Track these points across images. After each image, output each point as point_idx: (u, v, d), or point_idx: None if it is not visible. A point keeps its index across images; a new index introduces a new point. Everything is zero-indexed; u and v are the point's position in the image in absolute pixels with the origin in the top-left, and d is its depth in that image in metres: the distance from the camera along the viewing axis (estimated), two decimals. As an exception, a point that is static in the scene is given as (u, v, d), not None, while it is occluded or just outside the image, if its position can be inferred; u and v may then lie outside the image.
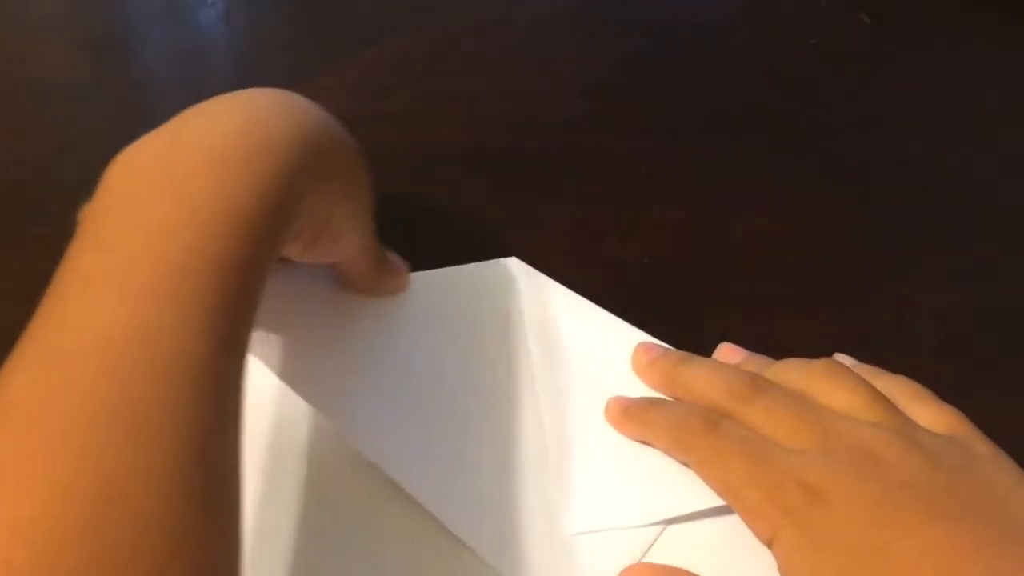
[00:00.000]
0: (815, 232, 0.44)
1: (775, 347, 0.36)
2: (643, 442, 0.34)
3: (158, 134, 0.28)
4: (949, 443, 0.29)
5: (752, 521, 0.29)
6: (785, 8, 0.56)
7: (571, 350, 0.37)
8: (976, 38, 0.55)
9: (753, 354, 0.37)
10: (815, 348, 0.36)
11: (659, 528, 0.32)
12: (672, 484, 0.33)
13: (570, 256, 0.42)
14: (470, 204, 0.44)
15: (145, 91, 0.50)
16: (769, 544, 0.29)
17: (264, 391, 0.34)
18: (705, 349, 0.37)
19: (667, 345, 0.37)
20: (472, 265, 0.40)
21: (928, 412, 0.31)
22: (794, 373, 0.33)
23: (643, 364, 0.36)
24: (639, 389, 0.36)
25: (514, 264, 0.40)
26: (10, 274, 0.38)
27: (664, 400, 0.35)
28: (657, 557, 0.32)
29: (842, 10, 0.56)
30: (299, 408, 0.34)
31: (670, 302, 0.41)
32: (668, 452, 0.33)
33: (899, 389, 0.33)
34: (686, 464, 0.33)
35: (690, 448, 0.32)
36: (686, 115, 0.49)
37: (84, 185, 0.43)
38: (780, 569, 0.28)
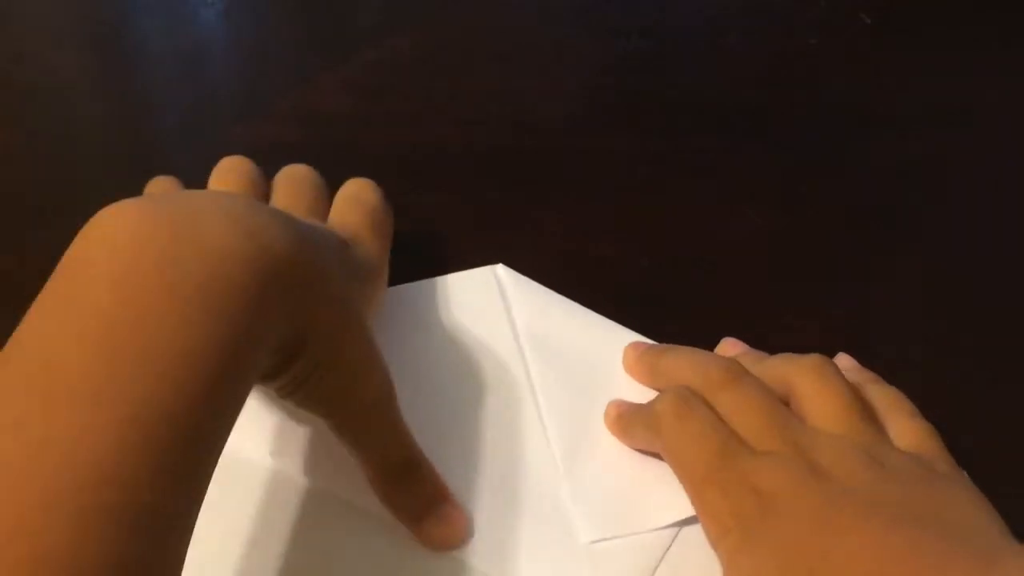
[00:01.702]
0: (815, 232, 0.44)
1: (773, 347, 0.36)
2: (637, 449, 0.34)
3: (153, 221, 0.24)
4: (910, 460, 0.30)
5: (705, 520, 0.30)
6: (785, 8, 0.56)
7: (569, 355, 0.37)
8: (976, 38, 0.55)
9: (752, 349, 0.37)
10: (815, 348, 0.36)
11: (674, 530, 0.32)
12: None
13: (569, 256, 0.42)
14: (470, 204, 0.44)
15: (145, 91, 0.50)
16: (716, 546, 0.29)
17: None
18: (703, 348, 0.37)
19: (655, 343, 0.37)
20: (458, 274, 0.39)
21: (903, 426, 0.32)
22: (782, 364, 0.33)
23: (631, 360, 0.36)
24: (637, 390, 0.36)
25: (502, 271, 0.40)
26: (9, 275, 0.38)
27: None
28: (674, 559, 0.32)
29: (842, 10, 0.56)
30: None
31: (669, 302, 0.41)
32: (646, 444, 0.33)
33: (884, 399, 0.33)
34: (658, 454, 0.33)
35: (658, 430, 0.32)
36: (686, 115, 0.49)
37: (84, 185, 0.43)
38: (723, 571, 0.29)
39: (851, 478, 0.28)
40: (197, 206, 0.25)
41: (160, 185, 0.37)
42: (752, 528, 0.28)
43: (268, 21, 0.55)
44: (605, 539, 0.32)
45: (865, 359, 0.37)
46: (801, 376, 0.32)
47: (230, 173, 0.36)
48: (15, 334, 0.23)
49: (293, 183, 0.36)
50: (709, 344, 0.38)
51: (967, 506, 0.28)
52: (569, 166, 0.46)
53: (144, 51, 0.52)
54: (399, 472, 0.31)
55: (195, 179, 0.44)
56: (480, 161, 0.46)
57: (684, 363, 0.34)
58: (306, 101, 0.48)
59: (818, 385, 0.31)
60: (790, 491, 0.28)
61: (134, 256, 0.23)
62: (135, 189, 0.43)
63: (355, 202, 0.35)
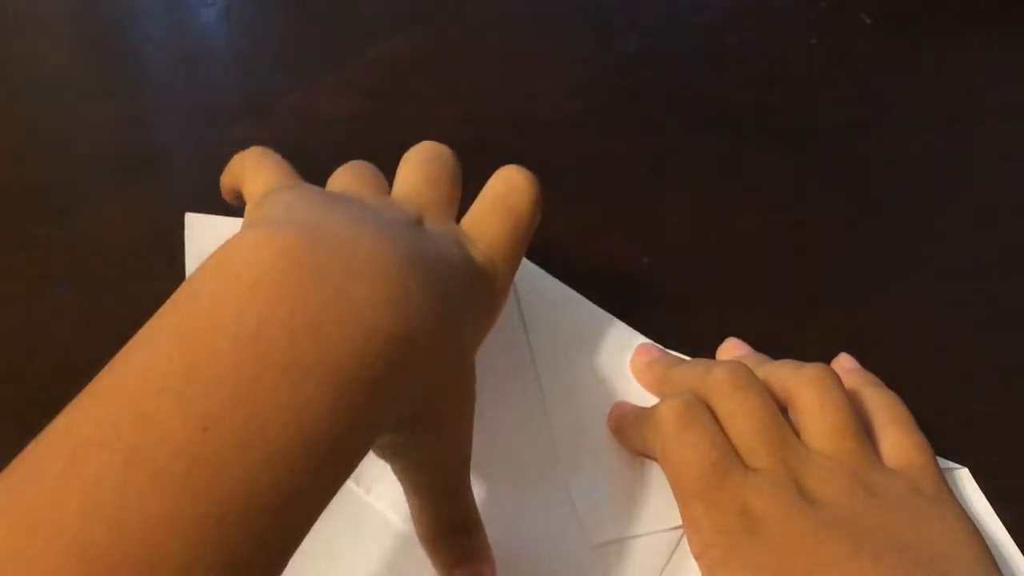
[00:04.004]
0: (814, 232, 0.44)
1: (773, 347, 0.36)
2: (636, 452, 0.34)
3: (298, 269, 0.21)
4: (896, 480, 0.30)
5: (690, 532, 0.30)
6: (785, 8, 0.56)
7: (575, 352, 0.37)
8: (976, 38, 0.55)
9: (755, 352, 0.37)
10: (815, 348, 0.36)
11: (681, 531, 0.32)
12: None
13: (570, 256, 0.42)
14: (470, 204, 0.44)
15: (145, 91, 0.50)
16: (698, 557, 0.29)
17: None
18: (705, 348, 0.37)
19: (664, 348, 0.37)
20: None
21: (894, 439, 0.32)
22: (784, 372, 0.33)
23: (640, 365, 0.36)
24: (642, 392, 0.36)
25: None
26: (10, 274, 0.38)
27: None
28: (681, 560, 0.31)
29: (842, 10, 0.56)
30: None
31: (670, 301, 0.41)
32: (645, 448, 0.33)
33: (879, 408, 0.33)
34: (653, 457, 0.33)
35: (657, 434, 0.32)
36: (686, 115, 0.49)
37: (84, 185, 0.43)
38: None
39: (838, 505, 0.28)
40: (348, 255, 0.22)
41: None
42: (735, 546, 0.28)
43: (268, 21, 0.55)
44: (612, 540, 0.32)
45: (865, 359, 0.37)
46: (801, 388, 0.32)
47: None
48: (118, 360, 0.20)
49: (430, 169, 0.32)
50: (710, 344, 0.38)
51: (950, 534, 0.28)
52: (569, 166, 0.46)
53: (144, 51, 0.52)
54: (454, 528, 0.29)
55: (195, 179, 0.44)
56: (480, 161, 0.46)
57: (693, 373, 0.33)
58: (306, 101, 0.48)
59: (817, 400, 0.31)
60: (777, 514, 0.28)
61: (266, 312, 0.20)
62: (135, 189, 0.43)
63: (502, 206, 0.31)
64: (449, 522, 0.28)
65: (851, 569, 0.27)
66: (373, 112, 0.48)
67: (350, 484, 0.31)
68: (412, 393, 0.23)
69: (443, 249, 0.27)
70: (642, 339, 0.37)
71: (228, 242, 0.22)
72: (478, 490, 0.32)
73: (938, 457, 0.32)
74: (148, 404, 0.18)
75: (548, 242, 0.42)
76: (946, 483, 0.30)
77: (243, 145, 0.45)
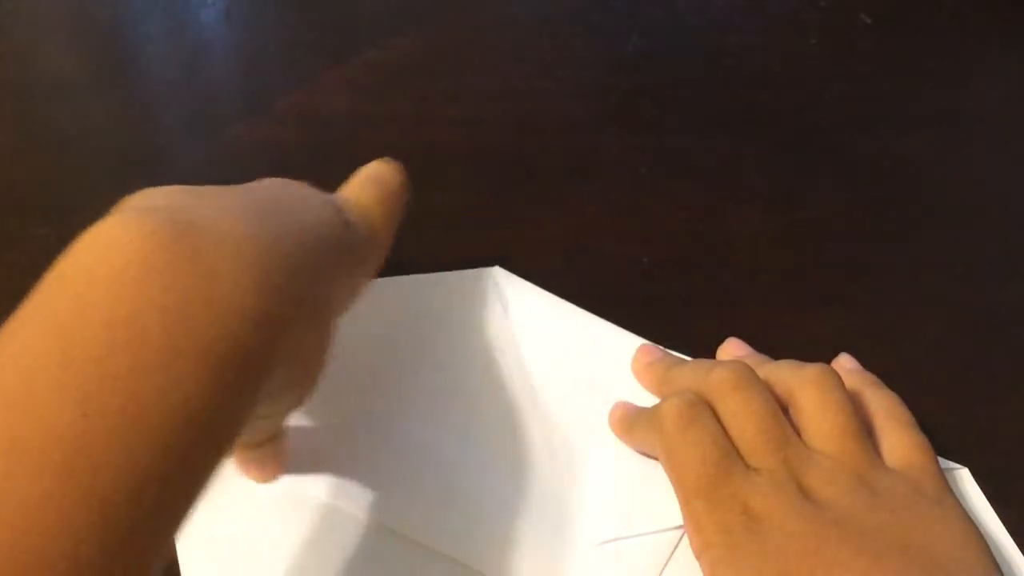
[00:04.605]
0: (814, 232, 0.44)
1: (774, 347, 0.36)
2: (639, 451, 0.34)
3: (164, 252, 0.21)
4: (898, 480, 0.30)
5: (691, 530, 0.30)
6: (785, 8, 0.56)
7: (569, 357, 0.37)
8: (976, 38, 0.55)
9: (756, 352, 0.37)
10: (814, 348, 0.36)
11: (681, 530, 0.32)
12: None
13: (569, 256, 0.42)
14: (470, 204, 0.44)
15: (145, 91, 0.50)
16: (698, 556, 0.29)
17: None
18: (704, 348, 0.37)
19: (664, 348, 0.37)
20: (454, 272, 0.39)
21: (895, 440, 0.32)
22: (786, 372, 0.33)
23: (641, 365, 0.36)
24: (639, 393, 0.36)
25: (499, 273, 0.39)
26: (10, 273, 0.38)
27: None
28: (681, 559, 0.32)
29: (842, 10, 0.56)
30: None
31: (669, 301, 0.41)
32: (647, 446, 0.33)
33: (880, 408, 0.33)
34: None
35: (659, 433, 0.32)
36: (686, 115, 0.50)
37: (84, 185, 0.43)
38: None
39: (840, 505, 0.29)
40: (212, 238, 0.22)
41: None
42: (736, 545, 0.28)
43: (268, 21, 0.55)
44: (613, 539, 0.32)
45: (865, 359, 0.37)
46: (803, 388, 0.32)
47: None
48: None
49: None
50: (710, 344, 0.38)
51: (953, 535, 0.28)
52: (569, 166, 0.46)
53: (144, 51, 0.52)
54: (263, 441, 0.30)
55: (195, 179, 0.44)
56: (480, 161, 0.46)
57: (695, 375, 0.33)
58: (306, 101, 0.48)
59: (818, 400, 0.31)
60: (779, 514, 0.28)
61: (137, 294, 0.20)
62: (135, 189, 0.43)
63: (371, 178, 0.33)
64: (264, 436, 0.30)
65: (853, 569, 0.27)
66: (373, 112, 0.48)
67: (318, 495, 0.32)
68: (281, 368, 0.23)
69: (311, 205, 0.28)
70: (641, 341, 0.37)
71: (93, 227, 0.22)
72: (479, 490, 0.32)
73: (938, 457, 0.32)
74: (25, 389, 0.19)
75: (548, 242, 0.42)
76: (947, 483, 0.30)
77: (243, 145, 0.46)
